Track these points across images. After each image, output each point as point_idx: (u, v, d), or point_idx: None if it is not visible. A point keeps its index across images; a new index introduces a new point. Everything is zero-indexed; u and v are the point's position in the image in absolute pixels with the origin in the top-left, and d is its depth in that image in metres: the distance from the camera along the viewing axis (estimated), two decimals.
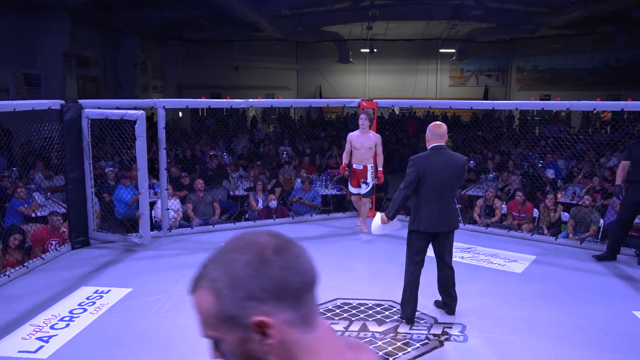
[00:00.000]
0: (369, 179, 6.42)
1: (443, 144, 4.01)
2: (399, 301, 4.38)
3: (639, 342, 3.77)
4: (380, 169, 6.40)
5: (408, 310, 4.02)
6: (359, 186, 6.48)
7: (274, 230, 0.84)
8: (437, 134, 3.99)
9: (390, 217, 4.13)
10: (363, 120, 6.35)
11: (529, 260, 5.62)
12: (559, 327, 4.00)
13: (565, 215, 7.00)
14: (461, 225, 7.05)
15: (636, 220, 5.74)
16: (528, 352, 3.59)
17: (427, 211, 3.89)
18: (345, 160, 6.61)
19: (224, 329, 0.77)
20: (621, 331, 3.93)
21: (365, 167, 6.41)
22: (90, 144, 5.86)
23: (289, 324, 0.77)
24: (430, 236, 3.97)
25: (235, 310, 0.75)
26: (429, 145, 4.01)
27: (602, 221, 6.61)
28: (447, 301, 4.17)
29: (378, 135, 6.51)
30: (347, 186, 7.11)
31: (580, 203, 6.90)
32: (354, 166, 6.47)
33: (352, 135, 6.48)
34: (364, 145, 6.36)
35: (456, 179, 3.99)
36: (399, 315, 4.13)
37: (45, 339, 3.76)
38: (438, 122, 4.11)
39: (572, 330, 3.96)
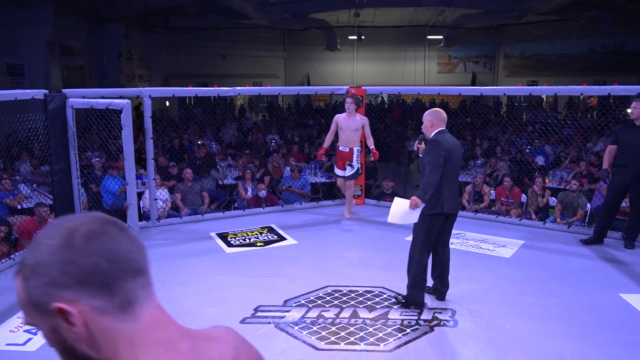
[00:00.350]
0: (355, 162, 6.43)
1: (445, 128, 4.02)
2: (390, 287, 4.41)
3: (626, 324, 3.82)
4: (372, 147, 6.39)
5: (422, 296, 4.01)
6: (344, 168, 6.48)
7: (103, 214, 0.79)
8: (441, 118, 3.99)
9: (426, 201, 3.83)
10: (349, 103, 6.35)
11: (518, 245, 5.66)
12: (547, 310, 4.04)
13: (552, 200, 7.06)
14: None
15: (622, 204, 5.80)
16: (517, 336, 3.63)
17: (448, 192, 3.87)
18: (327, 143, 6.61)
19: (35, 315, 0.74)
20: (608, 314, 3.98)
21: (351, 149, 6.41)
22: (75, 134, 5.78)
23: (99, 312, 0.73)
24: (444, 218, 3.95)
25: (39, 296, 0.73)
26: (435, 130, 3.96)
27: (589, 205, 6.67)
28: (440, 287, 4.17)
29: (365, 117, 6.51)
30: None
31: (567, 188, 6.96)
32: (340, 148, 6.46)
33: (339, 117, 6.48)
34: (350, 127, 6.36)
35: (461, 161, 4.05)
36: (402, 303, 4.06)
37: (34, 331, 3.72)
38: (437, 109, 4.13)
39: (560, 313, 4.00)
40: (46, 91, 5.65)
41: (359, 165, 6.49)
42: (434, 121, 3.99)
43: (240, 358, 0.87)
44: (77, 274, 0.72)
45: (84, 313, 0.72)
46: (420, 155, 4.16)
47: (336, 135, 6.53)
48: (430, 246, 4.01)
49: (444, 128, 3.98)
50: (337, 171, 6.61)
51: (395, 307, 4.02)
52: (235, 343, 0.90)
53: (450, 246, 4.09)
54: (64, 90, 5.82)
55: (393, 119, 13.67)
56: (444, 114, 4.03)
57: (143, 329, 0.77)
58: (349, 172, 6.46)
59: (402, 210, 3.91)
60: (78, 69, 15.64)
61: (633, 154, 5.28)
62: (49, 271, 0.72)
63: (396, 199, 4.08)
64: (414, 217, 3.90)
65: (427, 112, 4.09)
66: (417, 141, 4.23)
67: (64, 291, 0.72)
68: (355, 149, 6.42)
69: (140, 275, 0.79)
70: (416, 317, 3.90)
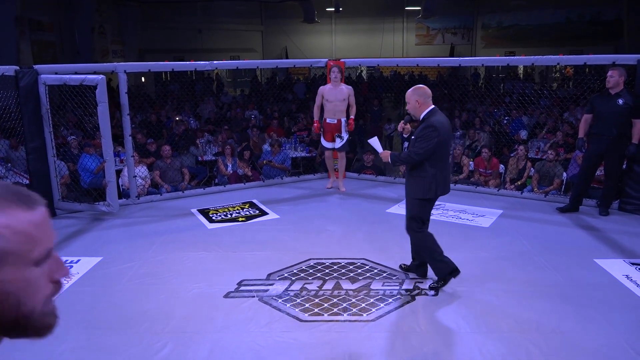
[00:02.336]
0: (344, 133, 6.40)
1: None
2: (372, 259, 4.46)
3: (601, 289, 3.94)
4: (352, 116, 6.38)
5: (448, 263, 3.81)
6: (334, 140, 6.45)
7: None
8: (428, 95, 3.80)
9: (391, 163, 4.09)
10: (336, 73, 6.32)
11: (496, 214, 5.76)
12: (525, 277, 4.14)
13: (531, 171, 7.17)
14: None
15: (597, 173, 5.92)
16: (496, 302, 3.72)
17: (443, 176, 3.80)
18: (317, 116, 6.56)
19: None
20: (583, 279, 4.10)
21: (339, 120, 6.38)
22: (49, 111, 5.65)
23: None
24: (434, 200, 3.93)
25: None
26: (425, 110, 3.77)
27: (565, 174, 6.80)
28: (419, 264, 4.14)
29: (350, 86, 6.48)
30: (317, 147, 7.06)
31: (544, 158, 7.07)
32: (328, 120, 6.42)
33: (325, 88, 6.42)
34: (337, 98, 6.31)
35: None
36: (438, 285, 3.87)
37: None
38: (420, 85, 3.93)
39: (538, 279, 4.11)
40: (17, 67, 5.50)
41: (347, 136, 6.47)
42: (420, 100, 3.78)
43: None
44: None
45: None
46: (405, 136, 4.04)
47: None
48: (427, 222, 3.96)
49: (433, 105, 3.80)
50: (326, 144, 6.56)
51: (430, 292, 3.86)
52: None
53: (430, 217, 4.11)
54: (36, 66, 5.67)
55: (361, 94, 12.89)
56: (428, 90, 3.84)
57: None
58: (338, 143, 6.44)
59: (380, 149, 4.13)
60: (49, 45, 15.21)
61: (608, 122, 5.37)
62: None
63: (376, 140, 4.20)
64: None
65: (409, 91, 3.85)
66: (403, 122, 4.03)
67: None
68: (343, 120, 6.39)
69: None
70: (398, 287, 3.97)
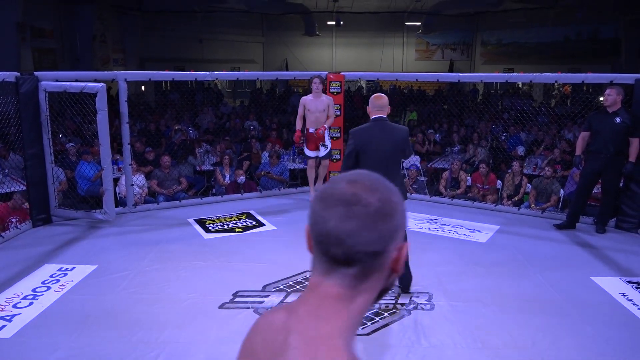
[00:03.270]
0: (327, 141, 6.54)
1: (384, 115, 3.98)
2: None
3: (597, 306, 3.93)
4: (325, 126, 6.45)
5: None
6: (318, 149, 6.54)
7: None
8: (376, 105, 3.95)
9: None
10: (317, 84, 6.42)
11: (493, 230, 5.76)
12: (521, 293, 4.13)
13: (527, 187, 7.19)
14: (427, 197, 7.17)
15: (594, 190, 5.94)
16: (492, 318, 3.71)
17: None
18: (299, 126, 6.63)
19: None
20: (580, 296, 4.09)
21: (322, 128, 6.48)
22: (48, 118, 5.65)
23: None
24: None
25: None
26: (371, 117, 3.98)
27: (562, 191, 6.82)
28: (402, 276, 4.09)
29: (330, 97, 6.60)
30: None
31: (541, 174, 7.09)
32: (310, 130, 6.51)
33: (306, 99, 6.52)
34: (318, 108, 6.43)
35: (399, 150, 3.95)
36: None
37: (8, 317, 3.67)
38: (379, 94, 4.06)
39: (534, 296, 4.09)
40: (17, 73, 5.50)
41: (330, 144, 6.59)
42: (369, 108, 4.00)
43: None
44: None
45: None
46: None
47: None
48: None
49: (380, 115, 3.94)
50: (310, 152, 6.65)
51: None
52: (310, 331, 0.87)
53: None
54: (36, 73, 5.68)
55: (355, 107, 12.88)
56: (383, 100, 3.98)
57: None
58: (322, 152, 6.55)
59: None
60: (50, 52, 15.23)
61: (605, 140, 5.40)
62: None
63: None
64: None
65: (370, 98, 4.06)
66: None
67: None
68: (325, 129, 6.52)
69: None
70: (393, 301, 3.95)
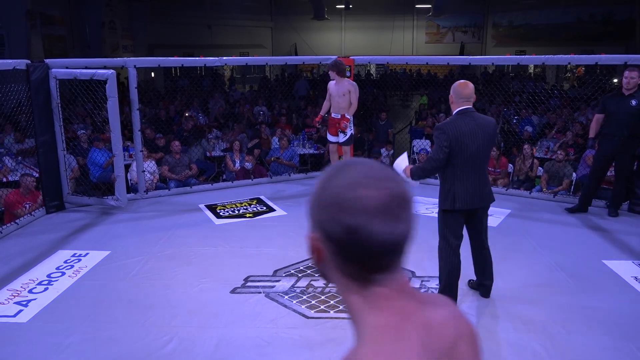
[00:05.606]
0: (348, 128, 6.43)
1: (471, 106, 3.42)
2: None
3: (608, 288, 3.92)
4: (348, 116, 6.36)
5: (453, 297, 3.49)
6: (337, 135, 6.48)
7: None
8: (462, 95, 3.38)
9: (412, 178, 3.57)
10: (332, 73, 6.34)
11: (505, 214, 5.73)
12: (533, 276, 4.12)
13: (539, 170, 7.13)
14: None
15: (608, 173, 5.87)
16: (503, 301, 3.70)
17: (462, 186, 3.37)
18: (323, 110, 6.58)
19: None
20: (592, 279, 4.08)
21: (343, 115, 6.40)
22: (59, 105, 5.68)
23: None
24: (465, 214, 3.49)
25: None
26: (454, 109, 3.42)
27: (574, 175, 6.75)
28: (484, 281, 3.79)
29: (354, 83, 6.44)
30: (325, 144, 7.07)
31: (553, 158, 7.02)
32: (332, 115, 6.45)
33: (331, 84, 6.46)
34: (338, 93, 6.34)
35: (490, 145, 3.45)
36: None
37: (24, 303, 3.73)
38: (464, 81, 3.46)
39: (546, 279, 4.08)
40: (28, 61, 5.53)
41: (352, 131, 6.49)
42: (453, 98, 3.43)
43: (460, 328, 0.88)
44: None
45: None
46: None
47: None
48: (454, 246, 3.50)
49: (467, 107, 3.39)
50: (331, 137, 6.58)
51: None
52: (455, 313, 0.91)
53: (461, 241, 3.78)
54: (47, 61, 5.71)
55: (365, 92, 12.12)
56: (470, 88, 3.41)
57: None
58: (342, 138, 6.46)
59: (402, 167, 3.66)
60: (60, 40, 15.28)
61: (620, 123, 5.32)
62: None
63: (405, 154, 3.76)
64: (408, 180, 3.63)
65: (453, 85, 3.47)
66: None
67: None
68: (346, 115, 6.40)
69: None
70: None
